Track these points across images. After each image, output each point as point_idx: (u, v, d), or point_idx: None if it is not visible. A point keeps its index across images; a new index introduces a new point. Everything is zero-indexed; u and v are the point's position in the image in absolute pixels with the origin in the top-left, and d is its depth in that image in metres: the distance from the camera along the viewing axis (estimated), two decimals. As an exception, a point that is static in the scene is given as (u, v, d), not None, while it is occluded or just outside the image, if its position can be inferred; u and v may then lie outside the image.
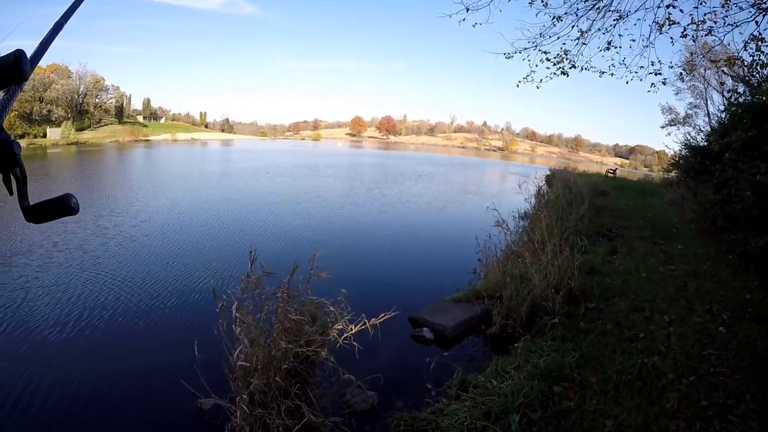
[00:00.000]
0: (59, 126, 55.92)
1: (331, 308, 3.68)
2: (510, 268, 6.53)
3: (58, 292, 6.71)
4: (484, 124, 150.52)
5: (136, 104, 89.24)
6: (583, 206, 11.33)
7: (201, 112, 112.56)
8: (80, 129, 59.96)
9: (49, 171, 25.77)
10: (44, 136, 53.81)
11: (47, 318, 5.82)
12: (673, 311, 5.96)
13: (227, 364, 3.65)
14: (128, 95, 79.34)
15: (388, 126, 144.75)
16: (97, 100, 66.62)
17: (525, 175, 15.81)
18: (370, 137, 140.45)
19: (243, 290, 3.56)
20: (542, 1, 5.99)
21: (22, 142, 47.05)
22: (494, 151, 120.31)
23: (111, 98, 71.45)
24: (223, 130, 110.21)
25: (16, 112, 51.00)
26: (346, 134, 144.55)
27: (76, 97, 62.35)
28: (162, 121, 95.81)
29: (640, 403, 3.92)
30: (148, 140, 65.79)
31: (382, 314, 3.85)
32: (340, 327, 3.64)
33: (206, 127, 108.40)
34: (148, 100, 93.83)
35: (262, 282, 3.59)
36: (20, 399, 4.14)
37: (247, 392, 3.36)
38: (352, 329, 3.66)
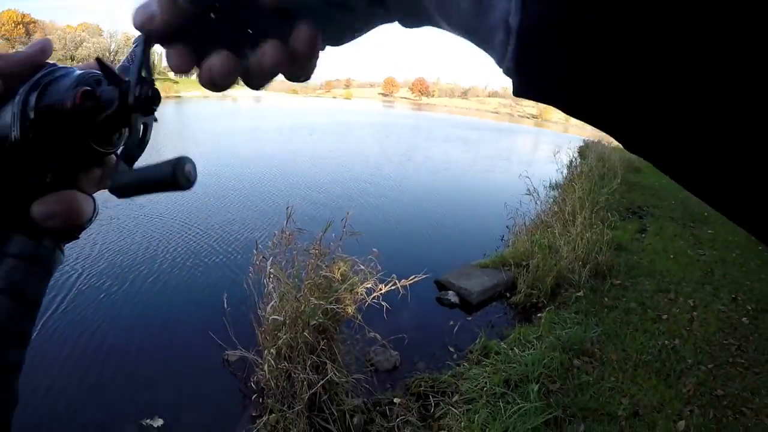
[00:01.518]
0: (91, 83, 56.74)
1: (362, 267, 3.73)
2: (539, 238, 6.43)
3: (104, 245, 6.80)
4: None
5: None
6: (616, 181, 10.92)
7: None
8: (112, 85, 60.69)
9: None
10: (77, 91, 54.74)
11: (87, 271, 5.94)
12: (698, 296, 5.87)
13: (255, 318, 3.76)
14: (160, 52, 79.64)
15: (420, 87, 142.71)
16: (128, 57, 67.15)
17: (558, 145, 15.26)
18: (402, 98, 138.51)
19: (275, 245, 3.62)
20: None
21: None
22: (527, 118, 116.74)
23: (142, 55, 71.91)
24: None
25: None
26: (378, 94, 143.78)
27: (108, 54, 62.83)
28: (193, 77, 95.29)
29: (657, 384, 3.94)
30: (179, 96, 66.33)
31: (412, 276, 3.87)
32: (369, 286, 3.69)
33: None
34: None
35: (294, 238, 3.65)
36: (62, 348, 4.28)
37: (275, 346, 3.46)
38: (381, 289, 3.71)
